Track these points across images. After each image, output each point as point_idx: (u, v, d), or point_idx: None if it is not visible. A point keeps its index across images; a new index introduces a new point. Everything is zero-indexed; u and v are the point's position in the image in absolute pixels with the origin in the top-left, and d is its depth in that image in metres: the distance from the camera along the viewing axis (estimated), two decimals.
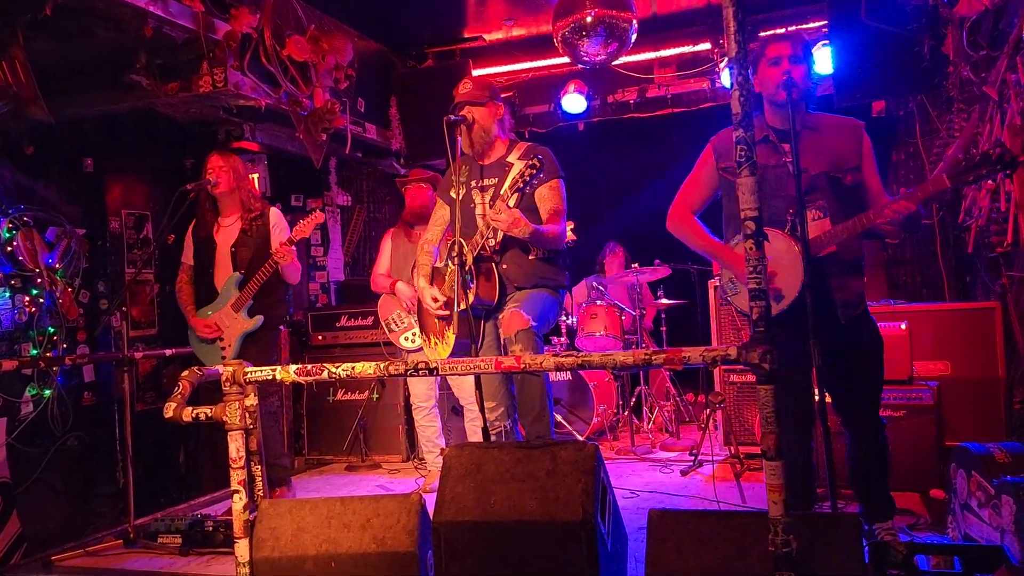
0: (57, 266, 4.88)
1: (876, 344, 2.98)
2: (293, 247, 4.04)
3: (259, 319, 4.13)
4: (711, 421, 4.81)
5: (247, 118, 5.19)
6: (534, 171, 3.23)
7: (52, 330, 4.81)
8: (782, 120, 2.91)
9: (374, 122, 6.08)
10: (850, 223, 2.82)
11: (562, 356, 2.30)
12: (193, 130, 5.26)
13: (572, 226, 4.52)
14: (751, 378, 4.62)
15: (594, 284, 6.15)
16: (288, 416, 5.59)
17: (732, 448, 4.58)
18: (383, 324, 4.77)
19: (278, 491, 4.14)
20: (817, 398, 2.72)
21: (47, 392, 4.75)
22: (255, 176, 5.69)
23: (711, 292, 4.90)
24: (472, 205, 3.54)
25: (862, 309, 2.96)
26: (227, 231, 4.25)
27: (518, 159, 3.48)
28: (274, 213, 4.31)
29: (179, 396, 2.53)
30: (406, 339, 4.63)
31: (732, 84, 2.04)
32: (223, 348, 4.18)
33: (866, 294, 3.01)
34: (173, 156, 5.73)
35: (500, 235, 3.43)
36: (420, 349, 4.21)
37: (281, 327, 4.36)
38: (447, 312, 3.51)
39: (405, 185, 4.85)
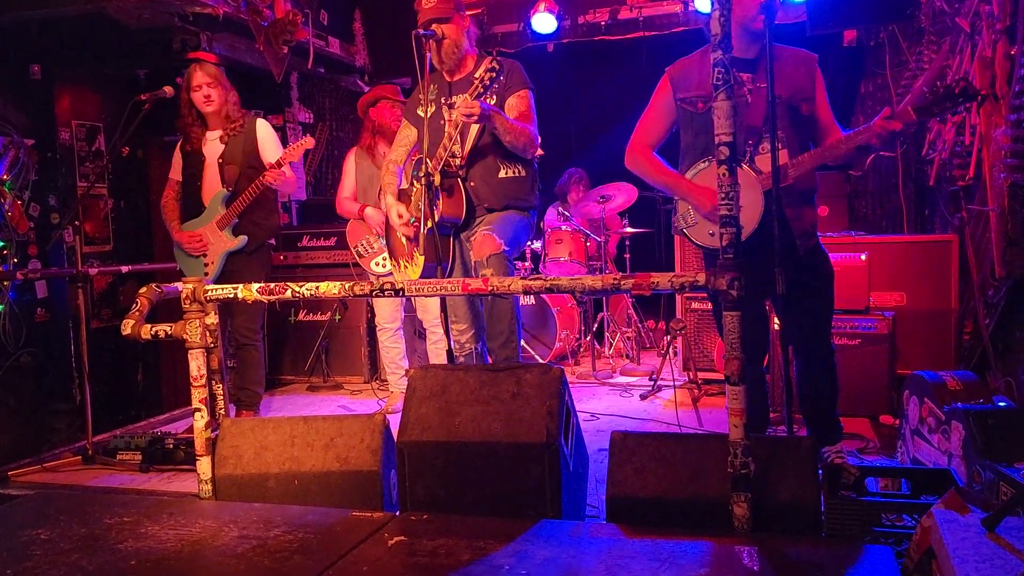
0: (5, 177, 4.69)
1: (829, 273, 3.04)
2: (283, 169, 3.94)
3: (243, 239, 4.08)
4: (671, 348, 4.88)
5: (204, 27, 4.97)
6: (493, 75, 3.18)
7: (2, 244, 4.65)
8: (743, 49, 2.86)
9: (338, 36, 5.87)
10: (815, 152, 2.82)
11: (530, 279, 2.28)
12: (147, 38, 5.04)
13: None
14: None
15: (560, 210, 6.12)
16: None
17: (691, 374, 4.67)
18: (352, 250, 4.70)
19: (245, 414, 4.13)
20: (778, 326, 2.75)
21: None
22: None
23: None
24: (442, 122, 3.46)
25: (816, 240, 3.00)
26: (213, 144, 4.13)
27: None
28: (262, 125, 4.18)
29: (137, 313, 2.49)
30: (376, 264, 4.57)
31: (712, 4, 1.98)
32: (206, 265, 4.12)
33: (825, 225, 3.04)
34: (127, 65, 5.49)
35: (466, 149, 3.37)
36: (390, 274, 4.16)
37: (273, 240, 4.29)
38: (413, 230, 3.46)
39: (371, 103, 4.64)
